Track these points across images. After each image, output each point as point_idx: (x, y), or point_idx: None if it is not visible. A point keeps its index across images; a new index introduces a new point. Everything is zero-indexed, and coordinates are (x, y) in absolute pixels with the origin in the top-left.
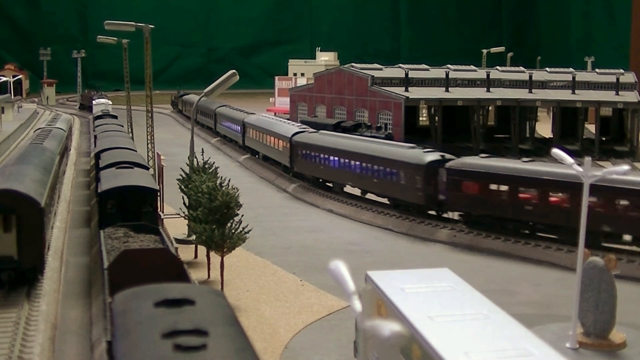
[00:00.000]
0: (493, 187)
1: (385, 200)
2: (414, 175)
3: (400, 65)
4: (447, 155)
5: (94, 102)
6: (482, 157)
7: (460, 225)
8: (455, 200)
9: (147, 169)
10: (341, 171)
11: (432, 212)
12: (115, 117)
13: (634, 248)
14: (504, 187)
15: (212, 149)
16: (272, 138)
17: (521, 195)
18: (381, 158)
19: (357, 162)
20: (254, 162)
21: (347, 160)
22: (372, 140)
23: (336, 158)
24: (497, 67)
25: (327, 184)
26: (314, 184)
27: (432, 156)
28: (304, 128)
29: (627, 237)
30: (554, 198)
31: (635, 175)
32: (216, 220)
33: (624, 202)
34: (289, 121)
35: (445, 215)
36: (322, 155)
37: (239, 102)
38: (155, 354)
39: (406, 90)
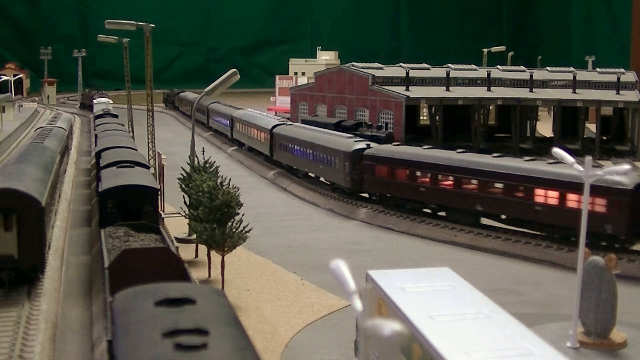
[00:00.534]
0: (396, 171)
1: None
2: (343, 161)
3: (401, 64)
4: (373, 144)
5: (94, 101)
6: (394, 144)
7: (460, 225)
8: (370, 183)
9: (148, 168)
10: (302, 159)
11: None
12: (115, 116)
13: (635, 248)
14: (404, 172)
15: (213, 148)
16: (255, 130)
17: (418, 179)
18: (324, 147)
19: (311, 151)
20: (241, 153)
21: (305, 149)
22: (321, 131)
23: (299, 147)
24: (498, 66)
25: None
26: (289, 171)
27: (359, 145)
28: (283, 121)
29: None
30: (442, 182)
31: (508, 160)
32: (217, 219)
33: (498, 185)
34: (271, 115)
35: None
36: (290, 145)
37: (239, 102)
38: (155, 353)
39: (407, 89)
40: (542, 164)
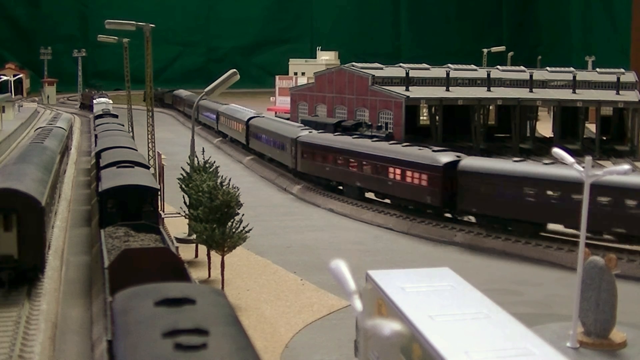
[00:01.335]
0: (315, 154)
1: (388, 200)
2: (290, 146)
3: (401, 64)
4: (314, 132)
5: (94, 101)
6: (319, 132)
7: (460, 225)
8: (302, 164)
9: (148, 168)
10: (267, 146)
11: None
12: (115, 116)
13: (635, 247)
14: (319, 155)
15: (213, 148)
16: (235, 122)
17: (326, 160)
18: (279, 134)
19: (271, 139)
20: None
21: (268, 138)
22: (281, 122)
23: (264, 136)
24: (498, 66)
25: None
26: (261, 157)
27: (303, 132)
28: (258, 114)
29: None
30: (339, 163)
31: (374, 144)
32: (217, 219)
33: (366, 165)
34: (250, 109)
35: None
36: (259, 134)
37: (239, 102)
38: (155, 353)
39: (407, 89)
40: (396, 147)
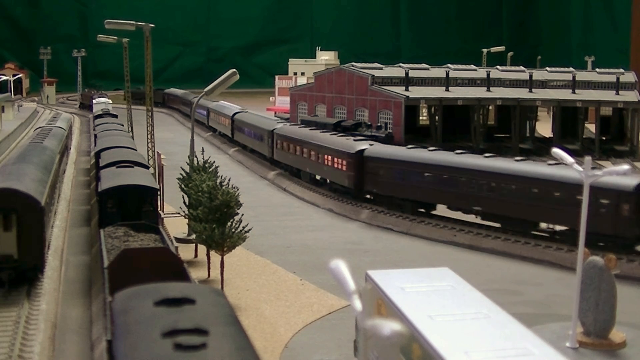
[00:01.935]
0: (283, 144)
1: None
2: (267, 137)
3: (401, 64)
4: (287, 125)
5: (94, 101)
6: (291, 125)
7: (460, 225)
8: (277, 153)
9: (147, 168)
10: (248, 138)
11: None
12: (115, 116)
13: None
14: (287, 145)
15: (213, 148)
16: (222, 117)
17: (291, 149)
18: (258, 127)
19: (249, 130)
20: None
21: (250, 130)
22: (260, 116)
23: (247, 129)
24: (497, 66)
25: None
26: (244, 148)
27: (277, 125)
28: (243, 109)
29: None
30: (297, 151)
31: (318, 133)
32: (216, 219)
33: (313, 153)
34: (236, 105)
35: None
36: (242, 128)
37: (239, 102)
38: (155, 353)
39: (406, 89)
40: (332, 137)
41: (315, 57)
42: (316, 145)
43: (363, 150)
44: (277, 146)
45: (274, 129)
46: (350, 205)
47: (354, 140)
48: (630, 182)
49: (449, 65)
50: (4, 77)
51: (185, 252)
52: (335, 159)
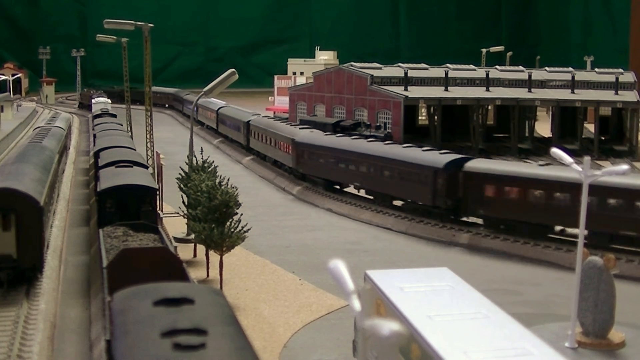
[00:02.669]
0: (257, 135)
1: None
2: (243, 129)
3: (400, 64)
4: (260, 117)
5: (93, 100)
6: (262, 117)
7: (459, 225)
8: (253, 144)
9: (147, 167)
10: (229, 129)
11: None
12: (114, 115)
13: (634, 248)
14: (258, 135)
15: (212, 148)
16: (208, 112)
17: (261, 139)
18: (236, 119)
19: (232, 123)
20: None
21: (231, 122)
22: (238, 110)
23: (230, 122)
24: (497, 66)
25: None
26: (231, 141)
27: (251, 117)
28: (227, 104)
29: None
30: (255, 136)
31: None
32: (215, 219)
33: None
34: (221, 101)
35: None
36: (224, 120)
37: (238, 101)
38: (154, 352)
39: (405, 89)
40: (287, 126)
41: (314, 57)
42: (277, 135)
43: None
44: (251, 135)
45: (248, 120)
46: (349, 205)
47: (299, 129)
48: (442, 159)
49: (448, 65)
50: (3, 77)
51: (184, 252)
52: (285, 145)
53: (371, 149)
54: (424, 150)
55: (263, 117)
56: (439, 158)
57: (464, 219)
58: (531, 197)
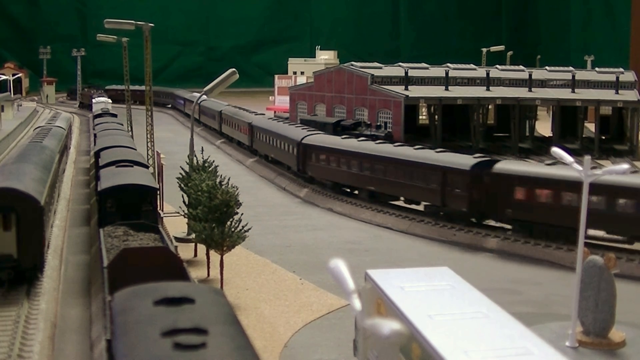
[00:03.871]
0: (258, 135)
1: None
2: (247, 129)
3: (400, 63)
4: (264, 118)
5: (93, 100)
6: (267, 118)
7: (460, 225)
8: (256, 144)
9: (147, 167)
10: (234, 130)
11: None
12: (115, 115)
13: (634, 247)
14: (258, 134)
15: (213, 148)
16: (205, 111)
17: (260, 138)
18: (236, 118)
19: (234, 122)
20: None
21: (232, 122)
22: (239, 108)
23: (232, 122)
24: (497, 65)
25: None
26: (231, 140)
27: (257, 118)
28: (227, 104)
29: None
30: (263, 138)
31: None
32: (216, 218)
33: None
34: (218, 101)
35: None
36: (229, 121)
37: (238, 101)
38: (154, 352)
39: (406, 89)
40: (283, 125)
41: (314, 57)
42: (272, 133)
43: (306, 137)
44: (255, 136)
45: (251, 122)
46: (350, 205)
47: (301, 129)
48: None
49: (448, 64)
50: (4, 77)
51: (185, 252)
52: (283, 144)
53: (398, 152)
54: (455, 153)
55: (268, 119)
56: (468, 160)
57: (492, 223)
58: (564, 201)
